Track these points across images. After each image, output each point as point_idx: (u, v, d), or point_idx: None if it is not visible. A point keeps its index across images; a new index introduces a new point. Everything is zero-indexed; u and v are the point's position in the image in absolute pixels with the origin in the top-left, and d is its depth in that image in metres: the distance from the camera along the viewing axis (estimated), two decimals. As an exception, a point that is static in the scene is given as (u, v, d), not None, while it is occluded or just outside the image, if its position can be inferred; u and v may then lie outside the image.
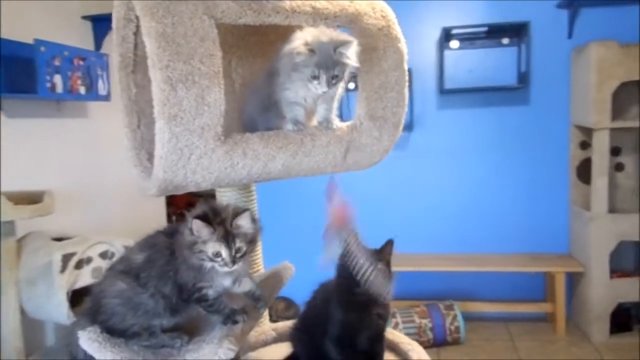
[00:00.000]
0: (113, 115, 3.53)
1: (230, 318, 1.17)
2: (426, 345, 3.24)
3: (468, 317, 3.45)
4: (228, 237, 1.09)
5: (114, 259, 2.80)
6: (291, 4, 1.22)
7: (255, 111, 1.39)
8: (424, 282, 3.68)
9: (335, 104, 1.32)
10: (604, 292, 3.26)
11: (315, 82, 1.19)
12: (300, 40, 1.18)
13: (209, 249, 1.09)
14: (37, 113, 3.03)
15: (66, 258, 2.60)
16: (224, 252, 1.09)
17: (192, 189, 1.23)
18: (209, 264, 1.11)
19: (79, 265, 2.64)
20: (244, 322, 1.17)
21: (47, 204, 2.64)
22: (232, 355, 1.07)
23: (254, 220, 1.14)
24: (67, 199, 3.13)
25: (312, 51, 1.17)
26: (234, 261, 1.09)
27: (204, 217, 1.09)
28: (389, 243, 1.28)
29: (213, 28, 1.11)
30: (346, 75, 1.22)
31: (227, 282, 1.17)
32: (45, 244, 2.68)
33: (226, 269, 1.10)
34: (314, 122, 1.35)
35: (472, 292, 3.70)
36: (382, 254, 1.26)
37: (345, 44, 1.18)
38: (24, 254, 2.64)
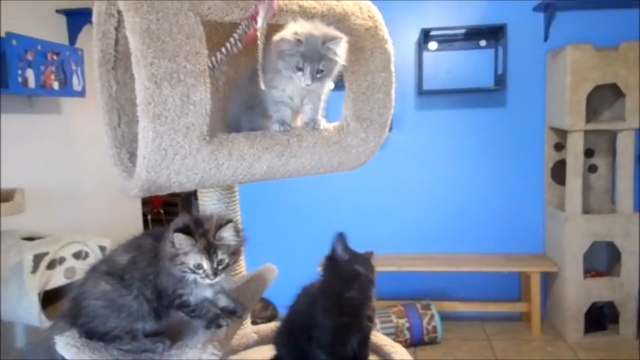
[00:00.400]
0: (88, 112, 3.45)
1: (213, 322, 1.14)
2: (404, 345, 3.24)
3: (445, 317, 3.48)
4: (210, 249, 1.06)
5: (90, 259, 2.74)
6: (278, 3, 1.20)
7: (239, 110, 1.37)
8: (401, 282, 3.70)
9: (322, 104, 1.31)
10: (578, 291, 3.32)
11: (299, 73, 1.17)
12: (291, 30, 1.16)
13: (190, 260, 1.06)
14: (9, 108, 2.93)
15: (38, 258, 2.53)
16: (206, 265, 1.06)
17: (176, 189, 1.20)
18: (190, 276, 1.08)
19: (51, 265, 2.56)
20: (227, 326, 1.14)
21: (18, 202, 2.57)
22: (216, 359, 1.05)
23: (237, 231, 1.12)
24: (39, 197, 3.04)
25: (299, 41, 1.15)
26: (215, 273, 1.07)
27: (185, 229, 1.06)
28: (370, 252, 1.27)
29: (199, 25, 1.08)
30: (333, 72, 1.20)
31: (207, 293, 1.14)
32: (16, 243, 2.60)
33: (207, 281, 1.07)
34: (300, 122, 1.33)
35: (449, 292, 3.73)
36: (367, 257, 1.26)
37: (334, 39, 1.17)
38: (-6, 253, 2.55)
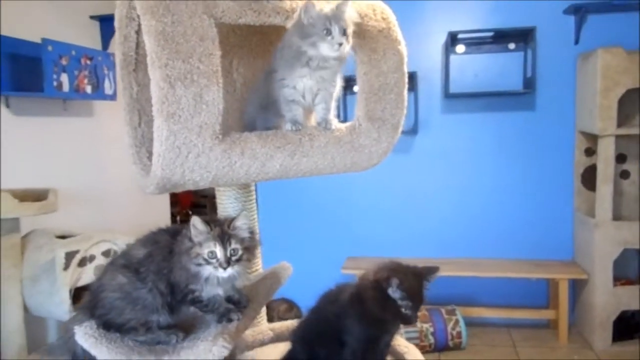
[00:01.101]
0: (119, 115, 3.56)
1: (224, 316, 1.17)
2: (427, 350, 3.23)
3: (470, 323, 3.44)
4: (224, 237, 1.10)
5: (116, 256, 2.82)
6: (291, 5, 1.23)
7: (255, 111, 1.40)
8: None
9: (333, 104, 1.33)
10: (607, 299, 3.23)
11: (329, 37, 1.18)
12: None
13: (204, 249, 1.09)
14: (44, 111, 3.06)
15: (69, 256, 2.62)
16: (219, 252, 1.09)
17: (191, 187, 1.23)
18: (205, 270, 1.11)
19: (82, 263, 2.65)
20: (238, 320, 1.17)
21: (52, 201, 2.67)
22: (226, 352, 1.08)
23: (252, 232, 1.16)
24: (71, 197, 3.15)
25: (321, 9, 1.19)
26: (228, 262, 1.10)
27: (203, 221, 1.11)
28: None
29: (212, 27, 1.12)
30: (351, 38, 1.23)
31: (219, 291, 1.17)
32: (49, 241, 2.70)
33: (221, 271, 1.10)
34: (313, 122, 1.35)
35: (475, 298, 3.68)
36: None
37: (342, 3, 1.21)
38: (28, 251, 2.66)
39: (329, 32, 1.18)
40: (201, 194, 5.49)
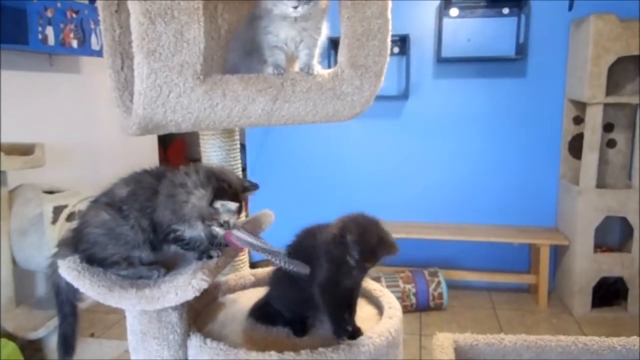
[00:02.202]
0: (105, 72, 3.53)
1: (205, 253, 1.20)
2: (409, 310, 3.31)
3: (452, 285, 3.51)
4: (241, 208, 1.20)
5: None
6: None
7: (238, 57, 1.40)
8: (410, 250, 3.72)
9: (318, 50, 1.32)
10: (587, 265, 3.30)
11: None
12: None
13: (222, 217, 1.17)
14: (30, 66, 3.03)
15: (57, 210, 2.64)
16: (233, 220, 1.19)
17: (173, 129, 1.24)
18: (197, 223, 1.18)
19: (70, 217, 2.67)
20: (218, 257, 1.20)
21: (38, 156, 2.66)
22: (205, 285, 1.11)
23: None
24: (58, 153, 3.15)
25: None
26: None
27: (222, 192, 1.16)
28: None
29: (194, -37, 1.11)
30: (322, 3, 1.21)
31: (201, 232, 1.21)
32: (36, 196, 2.71)
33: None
34: (296, 68, 1.36)
35: (458, 261, 3.75)
36: None
37: None
38: (16, 204, 2.66)
39: None
40: (191, 157, 5.49)
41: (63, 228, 2.63)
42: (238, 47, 1.41)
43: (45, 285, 3.06)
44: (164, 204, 1.17)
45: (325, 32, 1.33)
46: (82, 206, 2.72)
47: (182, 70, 1.13)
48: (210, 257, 1.20)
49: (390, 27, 1.31)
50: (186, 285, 1.10)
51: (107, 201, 1.20)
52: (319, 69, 1.33)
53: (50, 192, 2.77)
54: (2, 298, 2.59)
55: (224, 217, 1.16)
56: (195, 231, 1.18)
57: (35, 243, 2.62)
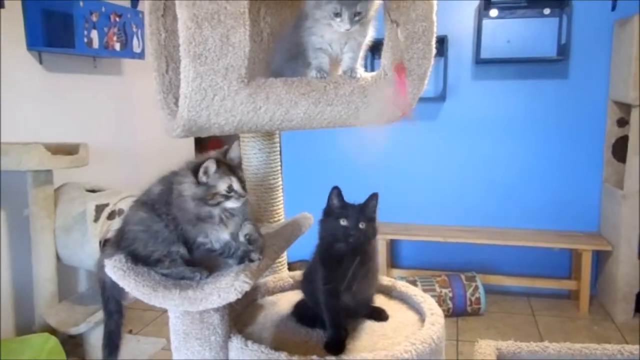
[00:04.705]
0: (146, 74, 3.61)
1: (245, 257, 1.21)
2: (446, 315, 3.22)
3: (490, 290, 3.45)
4: (233, 170, 1.18)
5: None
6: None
7: (283, 60, 1.40)
8: (447, 254, 3.68)
9: (362, 54, 1.32)
10: (630, 271, 3.19)
11: (338, 19, 1.18)
12: None
13: (221, 187, 1.14)
14: (75, 69, 3.12)
15: (99, 208, 2.70)
16: (235, 184, 1.15)
17: (216, 131, 1.25)
18: (226, 204, 1.16)
19: (111, 216, 2.73)
20: (259, 260, 1.21)
21: (82, 155, 2.74)
22: (247, 287, 1.11)
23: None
24: (100, 153, 3.23)
25: None
26: (244, 188, 1.17)
27: (196, 167, 1.15)
28: (373, 197, 1.30)
29: (241, -32, 1.12)
30: (371, 13, 1.21)
31: (224, 235, 1.21)
32: (80, 194, 2.79)
33: (241, 201, 1.16)
34: (340, 72, 1.35)
35: (496, 266, 3.68)
36: (366, 209, 1.29)
37: None
38: (61, 202, 2.75)
39: (338, 15, 1.19)
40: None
41: (104, 226, 2.69)
42: (282, 50, 1.41)
43: (87, 281, 3.14)
44: (182, 218, 1.19)
45: (371, 34, 1.33)
46: (123, 205, 2.80)
47: (227, 74, 1.14)
48: (251, 260, 1.20)
49: (435, 30, 1.30)
50: (229, 287, 1.11)
51: (144, 200, 1.23)
52: (362, 72, 1.32)
53: (93, 191, 2.84)
54: (45, 293, 2.68)
55: (221, 186, 1.15)
56: (220, 236, 1.19)
57: (78, 240, 2.69)
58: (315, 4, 1.21)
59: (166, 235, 1.18)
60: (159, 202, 1.19)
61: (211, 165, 1.14)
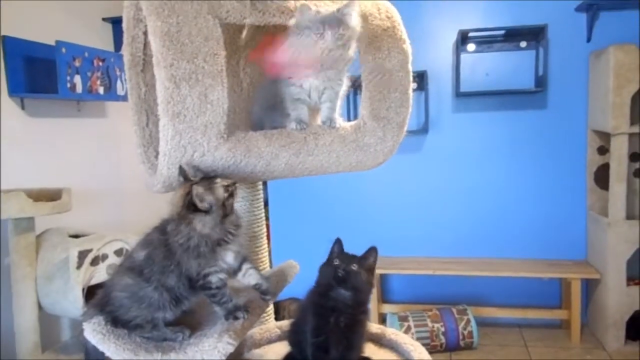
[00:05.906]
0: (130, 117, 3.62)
1: (231, 314, 1.18)
2: (439, 350, 3.22)
3: (482, 323, 3.42)
4: (209, 177, 1.14)
5: (127, 256, 2.88)
6: (295, 4, 1.24)
7: (262, 110, 1.41)
8: (437, 286, 3.66)
9: (339, 102, 1.33)
10: (620, 299, 3.20)
11: (321, 41, 1.18)
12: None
13: (219, 193, 1.12)
14: (58, 113, 3.11)
15: (82, 254, 2.66)
16: (220, 181, 1.13)
17: (197, 186, 1.24)
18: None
19: (94, 261, 2.69)
20: (244, 319, 1.18)
21: (65, 201, 2.71)
22: (231, 349, 1.09)
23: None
24: (85, 197, 3.20)
25: (317, 11, 1.19)
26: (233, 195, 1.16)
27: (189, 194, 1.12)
28: (372, 250, 1.28)
29: (217, 27, 1.13)
30: (352, 42, 1.22)
31: (230, 258, 1.18)
32: (62, 240, 2.74)
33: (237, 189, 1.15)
34: (318, 121, 1.36)
35: (486, 298, 3.67)
36: (363, 260, 1.27)
37: (347, 5, 1.20)
38: (42, 250, 2.70)
39: (321, 36, 1.19)
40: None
41: (88, 272, 2.65)
42: (261, 100, 1.42)
43: (70, 330, 3.06)
44: (184, 258, 1.16)
45: (346, 83, 1.34)
46: (107, 249, 2.76)
47: (206, 131, 1.14)
48: (236, 318, 1.18)
49: (411, 79, 1.32)
50: (212, 349, 1.08)
51: (129, 266, 1.20)
52: (340, 121, 1.33)
53: (76, 236, 2.80)
54: (28, 343, 2.61)
55: (219, 192, 1.11)
56: (226, 258, 1.17)
57: (61, 288, 2.63)
58: (297, 30, 1.21)
59: (154, 299, 1.16)
60: (146, 266, 1.17)
61: (195, 189, 1.11)
